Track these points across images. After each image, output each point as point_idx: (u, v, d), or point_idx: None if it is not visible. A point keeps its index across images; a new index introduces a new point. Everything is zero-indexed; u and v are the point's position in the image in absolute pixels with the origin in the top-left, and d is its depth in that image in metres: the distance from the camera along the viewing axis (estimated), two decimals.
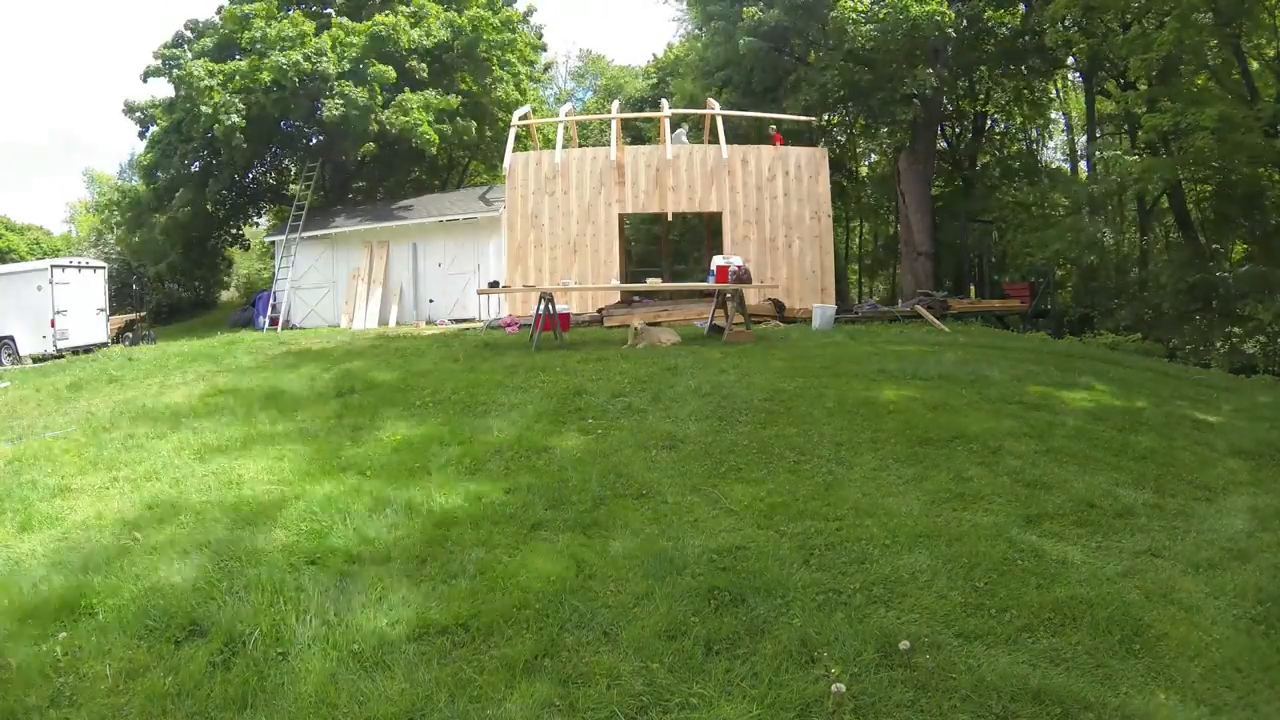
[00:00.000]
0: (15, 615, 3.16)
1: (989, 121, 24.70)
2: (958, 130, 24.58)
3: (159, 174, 22.18)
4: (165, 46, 21.42)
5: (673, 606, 2.98)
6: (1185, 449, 5.14)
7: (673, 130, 16.52)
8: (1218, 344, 15.50)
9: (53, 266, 18.02)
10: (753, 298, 11.68)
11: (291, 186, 23.54)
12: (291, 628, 2.92)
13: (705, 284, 11.43)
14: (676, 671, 2.62)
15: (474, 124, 21.85)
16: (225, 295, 31.38)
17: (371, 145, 20.95)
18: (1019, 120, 24.90)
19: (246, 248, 29.09)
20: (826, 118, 21.50)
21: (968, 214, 22.02)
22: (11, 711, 2.60)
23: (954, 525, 3.71)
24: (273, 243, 21.41)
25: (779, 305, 12.83)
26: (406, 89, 20.02)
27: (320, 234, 19.65)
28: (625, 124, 23.28)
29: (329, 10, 22.26)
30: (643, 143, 21.14)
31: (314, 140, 22.60)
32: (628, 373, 6.92)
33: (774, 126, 15.20)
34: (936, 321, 12.80)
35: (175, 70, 19.94)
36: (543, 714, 2.45)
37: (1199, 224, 19.01)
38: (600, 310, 12.70)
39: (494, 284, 14.74)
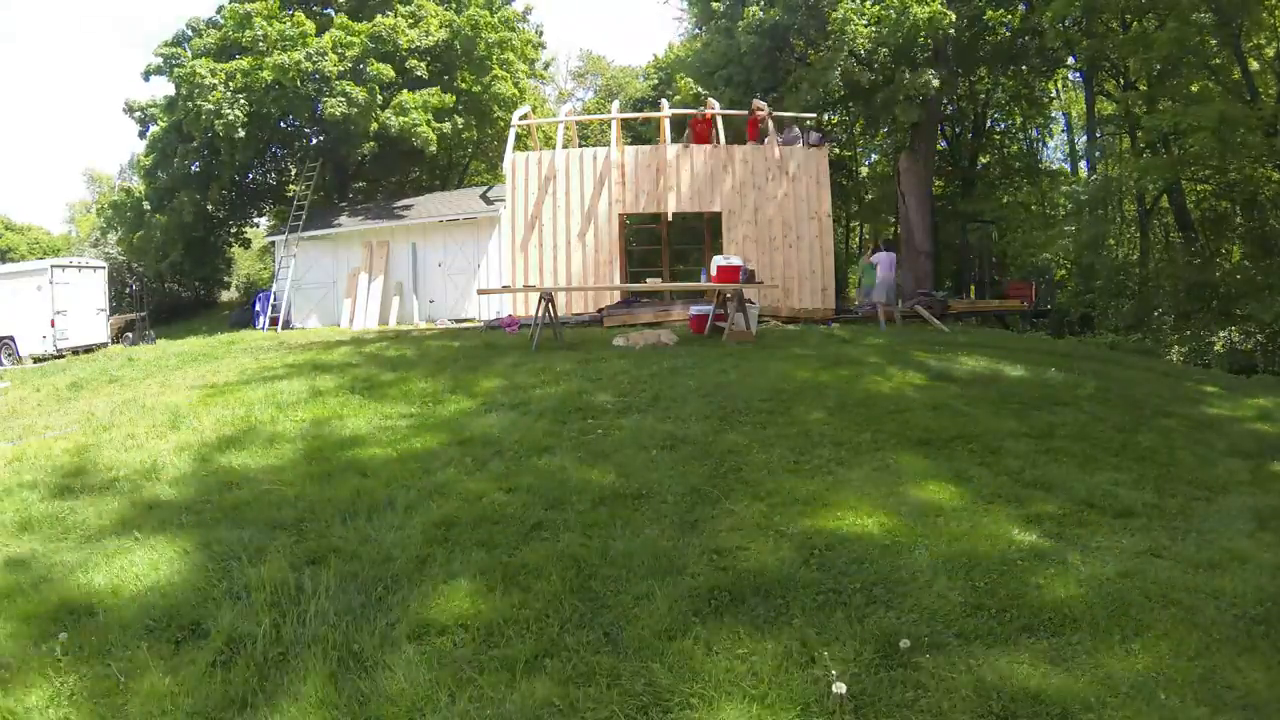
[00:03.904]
0: (15, 615, 3.16)
1: (989, 121, 24.70)
2: (958, 130, 24.59)
3: (159, 174, 22.20)
4: (166, 44, 21.44)
5: (673, 606, 2.98)
6: (1185, 449, 5.14)
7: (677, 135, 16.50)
8: (1217, 344, 15.50)
9: (53, 266, 18.02)
10: (755, 298, 11.66)
11: (292, 186, 23.57)
12: (292, 628, 2.92)
13: (706, 284, 11.42)
14: (676, 671, 2.62)
15: (473, 120, 21.85)
16: (226, 295, 31.40)
17: (372, 144, 20.95)
18: (1019, 120, 24.91)
19: (247, 245, 29.12)
20: (827, 117, 21.50)
21: (968, 214, 22.02)
22: (12, 711, 2.60)
23: (954, 525, 3.71)
24: (273, 242, 21.43)
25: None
26: (405, 90, 20.03)
27: (320, 234, 19.66)
28: (626, 124, 23.26)
29: (329, 10, 22.29)
30: (643, 143, 21.13)
31: (314, 140, 22.63)
32: (628, 373, 6.92)
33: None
34: (936, 321, 12.80)
35: (176, 68, 19.97)
36: (543, 714, 2.45)
37: (1199, 224, 19.02)
38: (600, 310, 12.70)
39: (494, 285, 14.75)
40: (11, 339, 17.51)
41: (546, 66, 28.95)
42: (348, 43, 19.77)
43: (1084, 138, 23.36)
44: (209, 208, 22.70)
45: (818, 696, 2.48)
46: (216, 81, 18.93)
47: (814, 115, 17.81)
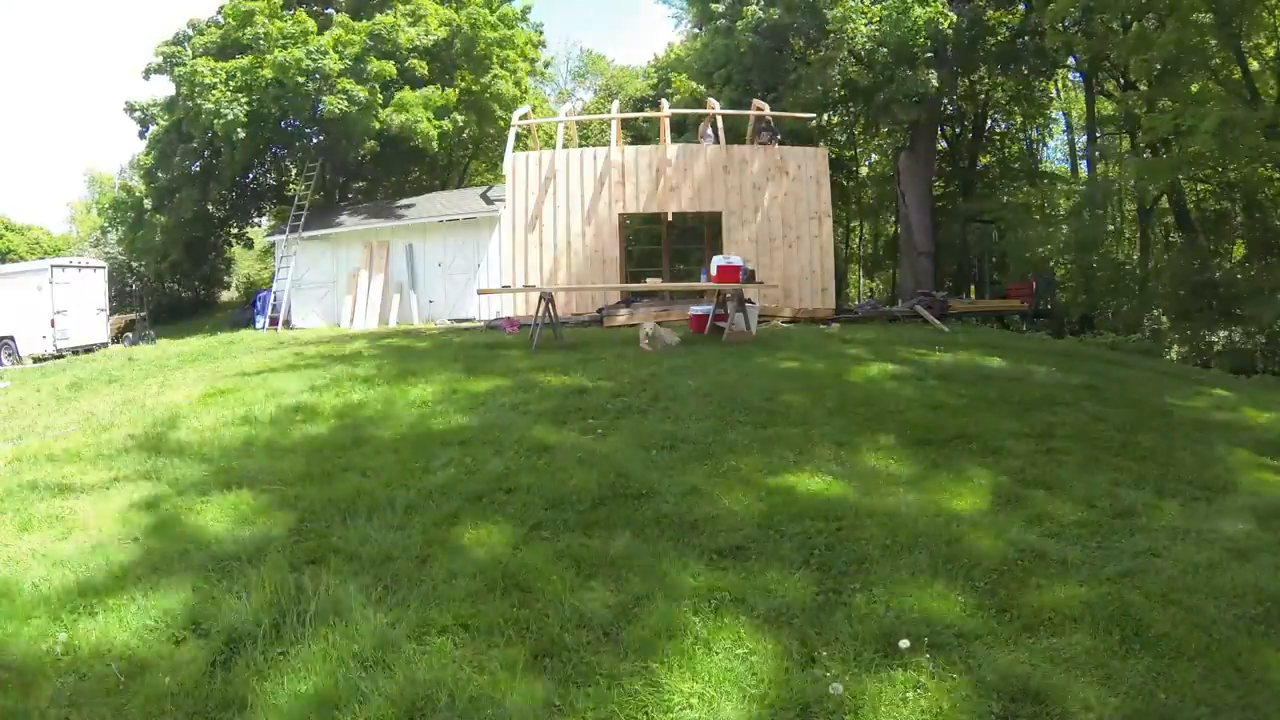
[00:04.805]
0: (15, 615, 3.16)
1: (989, 121, 24.70)
2: (958, 130, 24.60)
3: (159, 174, 22.19)
4: (166, 43, 21.42)
5: (673, 607, 2.98)
6: (1185, 449, 5.14)
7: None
8: (1217, 344, 15.50)
9: (53, 266, 18.04)
10: (755, 298, 11.65)
11: (292, 186, 23.56)
12: (291, 628, 2.92)
13: (706, 284, 11.42)
14: (676, 671, 2.62)
15: (473, 118, 21.84)
16: (225, 295, 31.39)
17: (372, 144, 20.93)
18: (1019, 120, 24.92)
19: (249, 245, 29.13)
20: (827, 117, 21.49)
21: (968, 214, 22.02)
22: (11, 712, 2.60)
23: (954, 525, 3.71)
24: (273, 243, 21.41)
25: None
26: (406, 88, 20.03)
27: (320, 234, 19.65)
28: (626, 124, 23.26)
29: (330, 10, 22.29)
30: (644, 142, 21.11)
31: (314, 140, 22.62)
32: (628, 373, 6.92)
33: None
34: (936, 321, 12.79)
35: (177, 67, 19.96)
36: (543, 714, 2.45)
37: (1199, 224, 19.02)
38: (600, 310, 12.70)
39: (494, 285, 14.75)
40: (11, 339, 17.51)
41: (546, 66, 28.94)
42: (348, 41, 19.76)
43: (1084, 138, 23.36)
44: (209, 208, 22.71)
45: (818, 696, 2.48)
46: (217, 80, 18.92)
47: (813, 115, 17.81)
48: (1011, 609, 2.97)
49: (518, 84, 23.13)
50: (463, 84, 22.02)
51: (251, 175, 24.50)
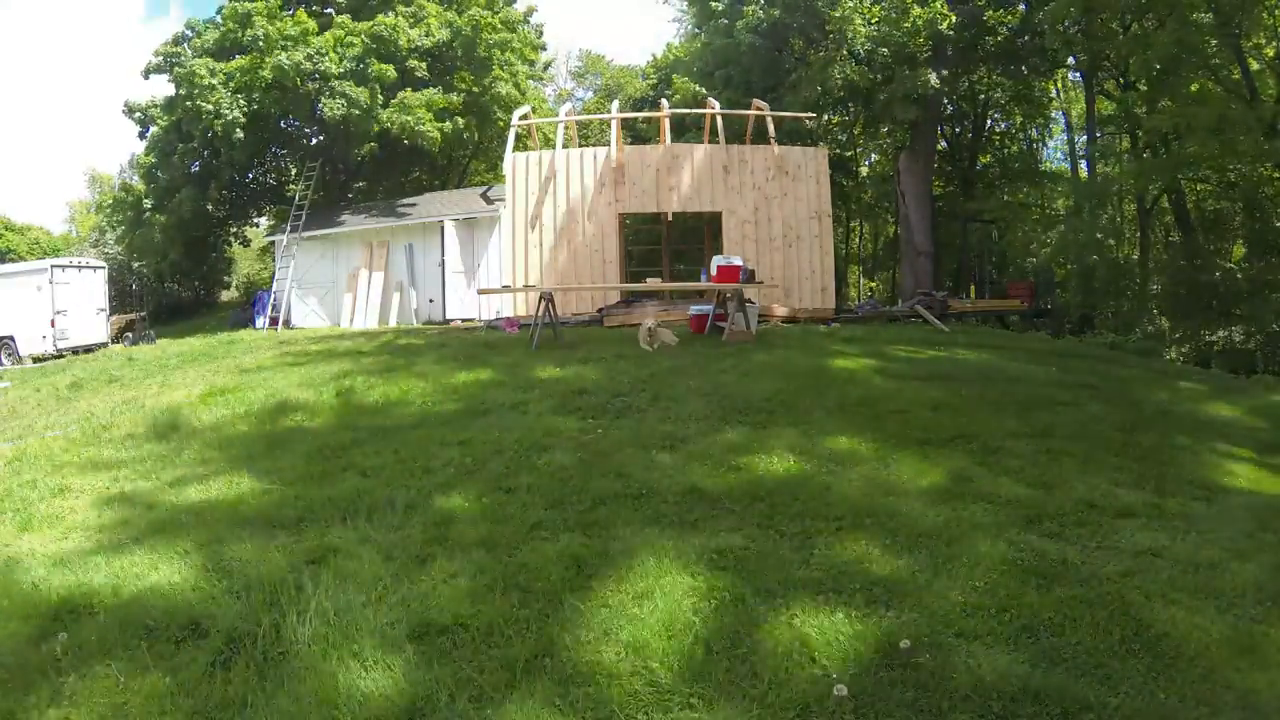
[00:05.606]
0: (15, 615, 3.16)
1: (989, 121, 24.69)
2: (958, 130, 24.59)
3: (159, 174, 22.19)
4: (166, 44, 21.44)
5: (673, 606, 2.98)
6: (1185, 448, 5.14)
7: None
8: (1217, 344, 15.50)
9: (53, 266, 18.05)
10: (755, 297, 11.65)
11: (291, 186, 23.54)
12: (291, 628, 2.92)
13: (705, 284, 11.43)
14: (676, 671, 2.62)
15: (473, 120, 21.85)
16: (225, 295, 31.39)
17: (373, 145, 20.93)
18: (1019, 120, 24.90)
19: (246, 244, 29.14)
20: (827, 117, 21.50)
21: (968, 214, 22.03)
22: (11, 712, 2.60)
23: (954, 525, 3.71)
24: (273, 242, 21.41)
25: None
26: (408, 89, 20.03)
27: (320, 234, 19.65)
28: (626, 124, 23.25)
29: (329, 10, 22.28)
30: (643, 142, 21.11)
31: (314, 140, 22.61)
32: (628, 373, 6.92)
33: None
34: (936, 321, 12.80)
35: (176, 68, 19.96)
36: (543, 714, 2.45)
37: (1199, 224, 19.02)
38: (600, 310, 12.70)
39: (494, 285, 14.76)
40: (11, 339, 17.51)
41: (546, 67, 28.95)
42: (348, 42, 19.75)
43: (1084, 138, 23.35)
44: (209, 207, 22.68)
45: (818, 696, 2.48)
46: (216, 82, 18.92)
47: (813, 115, 17.82)
48: (1012, 609, 2.97)
49: (517, 85, 23.12)
50: (463, 85, 22.00)
51: (251, 175, 24.48)
